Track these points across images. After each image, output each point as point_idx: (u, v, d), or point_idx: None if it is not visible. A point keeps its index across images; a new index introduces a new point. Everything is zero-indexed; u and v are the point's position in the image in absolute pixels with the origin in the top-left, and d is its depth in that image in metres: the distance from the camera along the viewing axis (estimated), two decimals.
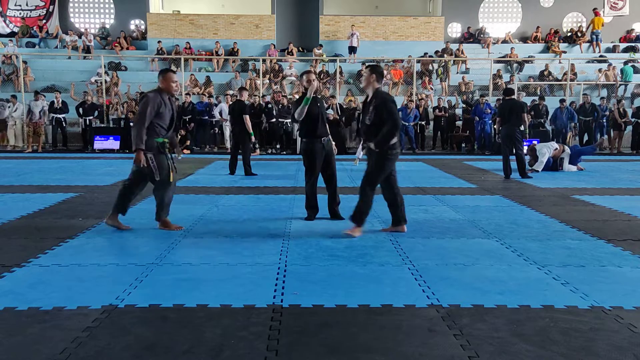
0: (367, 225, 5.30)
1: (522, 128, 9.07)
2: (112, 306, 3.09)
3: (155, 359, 2.48)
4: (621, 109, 15.05)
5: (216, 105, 14.94)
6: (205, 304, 3.13)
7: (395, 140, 4.75)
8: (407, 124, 14.33)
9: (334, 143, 5.66)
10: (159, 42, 19.37)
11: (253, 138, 9.77)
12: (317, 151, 5.45)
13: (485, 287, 3.47)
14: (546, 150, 9.96)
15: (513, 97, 9.35)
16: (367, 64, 4.98)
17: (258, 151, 13.82)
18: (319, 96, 5.69)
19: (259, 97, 15.19)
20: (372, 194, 4.86)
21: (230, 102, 14.36)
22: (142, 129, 4.68)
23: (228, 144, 14.54)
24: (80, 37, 19.81)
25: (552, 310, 3.08)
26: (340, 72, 17.77)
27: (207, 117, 14.96)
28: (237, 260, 4.06)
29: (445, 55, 19.06)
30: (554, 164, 10.03)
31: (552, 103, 15.49)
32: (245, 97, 9.56)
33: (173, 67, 18.37)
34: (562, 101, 14.73)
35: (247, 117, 8.98)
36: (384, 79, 17.45)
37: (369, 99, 4.91)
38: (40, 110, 14.11)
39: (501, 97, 14.76)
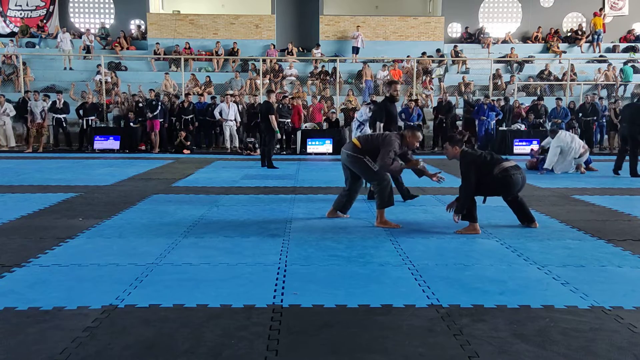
0: (366, 225, 5.31)
1: None
2: (112, 306, 3.09)
3: (155, 359, 2.49)
4: (616, 109, 15.06)
5: (215, 105, 14.94)
6: (205, 304, 3.13)
7: (512, 163, 5.06)
8: (411, 124, 14.32)
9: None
10: (157, 43, 19.37)
11: (278, 135, 10.88)
12: None
13: (485, 287, 3.47)
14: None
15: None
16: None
17: (259, 151, 13.83)
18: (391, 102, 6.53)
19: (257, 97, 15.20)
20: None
21: (231, 103, 14.41)
22: (386, 157, 5.15)
23: (228, 144, 14.53)
24: (80, 37, 19.80)
25: (552, 310, 3.07)
26: (340, 75, 17.76)
27: (202, 117, 14.91)
28: (237, 260, 4.06)
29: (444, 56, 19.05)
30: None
31: (552, 103, 15.50)
32: (273, 99, 10.44)
33: (173, 67, 18.40)
34: (557, 99, 14.78)
35: (272, 117, 10.00)
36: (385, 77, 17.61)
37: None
38: (41, 110, 13.90)
39: (502, 98, 14.87)
